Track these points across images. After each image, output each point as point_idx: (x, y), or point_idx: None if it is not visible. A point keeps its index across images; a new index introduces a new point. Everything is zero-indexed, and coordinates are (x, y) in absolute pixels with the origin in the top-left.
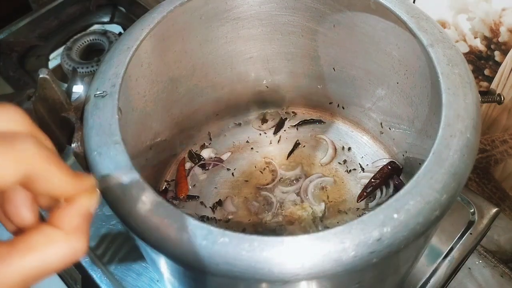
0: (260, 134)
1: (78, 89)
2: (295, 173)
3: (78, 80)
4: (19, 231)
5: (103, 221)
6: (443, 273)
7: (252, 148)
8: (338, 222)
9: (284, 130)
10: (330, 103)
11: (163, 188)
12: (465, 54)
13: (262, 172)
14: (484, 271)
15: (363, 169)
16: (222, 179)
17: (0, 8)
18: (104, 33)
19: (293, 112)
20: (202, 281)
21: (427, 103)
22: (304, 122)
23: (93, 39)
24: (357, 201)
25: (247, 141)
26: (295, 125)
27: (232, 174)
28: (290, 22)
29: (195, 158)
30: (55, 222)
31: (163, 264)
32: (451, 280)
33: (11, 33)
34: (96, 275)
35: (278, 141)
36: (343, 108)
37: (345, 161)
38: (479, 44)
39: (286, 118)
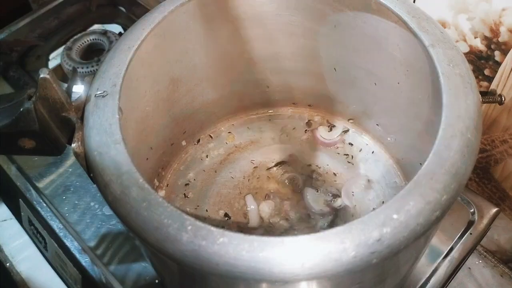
0: (261, 134)
1: (78, 89)
2: (295, 173)
3: (78, 80)
4: None
5: (103, 221)
6: (443, 273)
7: (253, 148)
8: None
9: (284, 130)
10: (331, 103)
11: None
12: (465, 54)
13: (263, 172)
14: (484, 271)
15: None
16: (223, 179)
17: (0, 8)
18: (104, 33)
19: (293, 112)
20: (202, 281)
21: (428, 103)
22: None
23: (93, 39)
24: None
25: (248, 141)
26: (295, 125)
27: (233, 174)
28: (291, 22)
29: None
30: None
31: (163, 264)
32: (451, 280)
33: (11, 33)
34: (96, 275)
35: (279, 141)
36: (343, 108)
37: (345, 161)
38: (479, 44)
39: (286, 118)
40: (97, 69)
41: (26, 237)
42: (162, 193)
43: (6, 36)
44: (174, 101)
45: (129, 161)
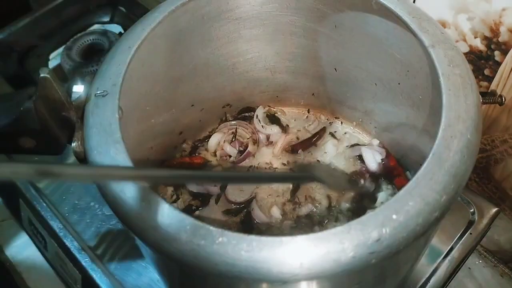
0: (262, 133)
1: (78, 89)
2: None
3: (78, 80)
4: None
5: (103, 221)
6: (443, 273)
7: (254, 147)
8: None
9: (286, 130)
10: (331, 103)
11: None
12: (465, 54)
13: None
14: (484, 271)
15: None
16: None
17: (0, 8)
18: (104, 33)
19: (294, 112)
20: (201, 281)
21: (428, 104)
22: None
23: (93, 39)
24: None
25: (249, 141)
26: (295, 125)
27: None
28: (291, 22)
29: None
30: None
31: (162, 263)
32: (451, 280)
33: (11, 33)
34: (96, 275)
35: (280, 141)
36: (344, 108)
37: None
38: (479, 44)
39: (287, 118)
40: (97, 69)
41: (26, 237)
42: (171, 189)
43: (6, 36)
44: (174, 101)
45: (129, 161)
